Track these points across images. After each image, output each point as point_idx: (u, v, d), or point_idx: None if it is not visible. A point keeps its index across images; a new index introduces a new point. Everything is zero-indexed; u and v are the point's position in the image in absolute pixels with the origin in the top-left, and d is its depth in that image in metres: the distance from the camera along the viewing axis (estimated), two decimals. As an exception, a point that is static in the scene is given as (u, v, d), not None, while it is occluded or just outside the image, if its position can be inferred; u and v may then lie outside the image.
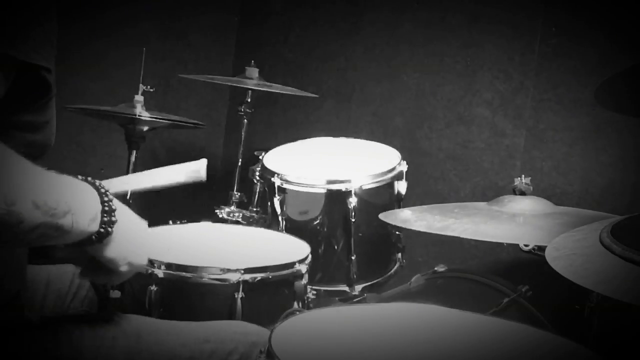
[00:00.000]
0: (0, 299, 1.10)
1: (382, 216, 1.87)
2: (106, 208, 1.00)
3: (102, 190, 1.01)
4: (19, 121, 1.02)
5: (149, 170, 1.45)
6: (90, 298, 1.53)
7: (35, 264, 1.34)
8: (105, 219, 1.00)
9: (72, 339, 1.15)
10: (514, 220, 1.68)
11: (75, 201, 0.96)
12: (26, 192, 0.88)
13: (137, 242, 1.09)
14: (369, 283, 2.12)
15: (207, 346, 1.22)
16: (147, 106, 2.42)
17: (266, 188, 2.17)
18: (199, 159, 1.48)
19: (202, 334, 1.24)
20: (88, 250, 1.03)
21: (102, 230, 1.00)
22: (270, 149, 2.31)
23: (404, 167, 2.17)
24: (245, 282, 1.56)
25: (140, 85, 2.43)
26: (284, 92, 2.65)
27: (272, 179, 2.10)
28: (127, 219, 1.07)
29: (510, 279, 1.92)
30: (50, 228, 0.91)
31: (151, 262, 1.58)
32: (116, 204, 1.03)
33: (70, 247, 1.01)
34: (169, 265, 1.57)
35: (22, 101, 0.98)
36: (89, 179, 1.03)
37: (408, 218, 1.80)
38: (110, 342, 1.16)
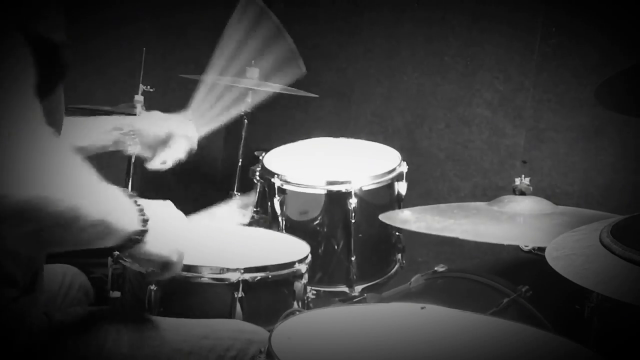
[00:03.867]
0: (13, 291, 1.11)
1: (383, 217, 1.87)
2: (139, 208, 1.10)
3: (130, 194, 1.12)
4: None
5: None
6: (80, 298, 1.54)
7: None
8: (141, 217, 1.10)
9: (78, 332, 1.18)
10: (514, 220, 1.68)
11: (118, 203, 1.07)
12: (86, 192, 0.97)
13: (174, 232, 1.19)
14: (369, 284, 2.12)
15: (206, 342, 1.25)
16: (147, 106, 2.42)
17: (266, 188, 2.17)
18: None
19: (201, 330, 1.28)
20: (135, 253, 1.12)
21: (141, 227, 1.09)
22: (270, 149, 2.31)
23: (404, 168, 2.17)
24: (244, 281, 1.56)
25: (140, 85, 2.42)
26: (284, 92, 2.65)
27: (272, 179, 2.09)
28: (162, 216, 1.16)
29: (510, 279, 1.92)
30: (102, 226, 1.00)
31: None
32: (145, 204, 1.12)
33: (117, 249, 1.11)
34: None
35: (46, 84, 1.01)
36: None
37: (408, 219, 1.80)
38: (115, 335, 1.19)
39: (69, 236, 0.97)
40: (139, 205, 1.11)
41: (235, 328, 1.34)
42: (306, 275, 1.69)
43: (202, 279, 1.56)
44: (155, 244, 1.13)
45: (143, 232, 1.10)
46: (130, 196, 1.12)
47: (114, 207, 1.04)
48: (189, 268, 1.57)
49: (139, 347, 1.20)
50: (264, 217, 2.30)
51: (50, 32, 0.98)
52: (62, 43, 1.00)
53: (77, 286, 1.55)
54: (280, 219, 2.09)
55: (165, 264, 1.19)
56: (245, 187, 2.59)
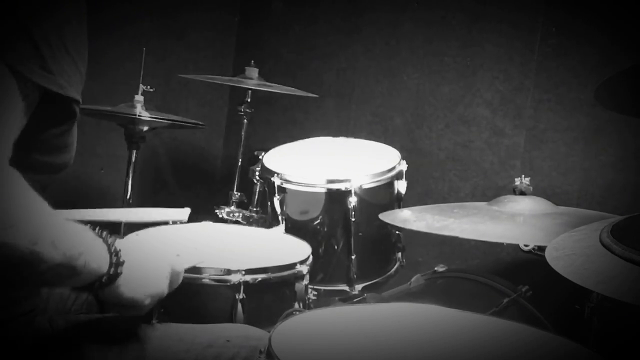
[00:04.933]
0: (16, 312, 1.11)
1: (382, 216, 1.87)
2: (112, 251, 1.05)
3: (105, 237, 1.07)
4: (41, 145, 1.04)
5: (139, 209, 1.57)
6: (91, 301, 1.54)
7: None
8: (114, 260, 1.05)
9: (80, 348, 1.17)
10: (513, 220, 1.68)
11: (87, 244, 1.01)
12: (46, 233, 0.92)
13: (153, 272, 1.14)
14: (369, 283, 2.12)
15: (211, 351, 1.23)
16: (147, 106, 2.42)
17: (266, 188, 2.17)
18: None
19: (206, 339, 1.26)
20: (104, 295, 1.07)
21: (111, 271, 1.05)
22: (270, 149, 2.31)
23: (403, 166, 2.17)
24: (246, 282, 1.55)
25: (140, 85, 2.42)
26: (284, 92, 2.65)
27: (272, 178, 2.09)
28: (138, 256, 1.11)
29: (510, 279, 1.92)
30: (66, 268, 0.96)
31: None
32: (123, 244, 1.08)
33: (83, 290, 1.06)
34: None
35: (46, 123, 1.01)
36: (90, 227, 1.07)
37: (408, 218, 1.80)
38: (118, 349, 1.17)
39: (31, 278, 0.94)
40: (112, 246, 1.06)
41: (241, 334, 1.32)
42: (307, 276, 1.69)
43: (203, 280, 1.56)
44: (129, 287, 1.08)
45: (113, 277, 1.05)
46: (104, 236, 1.07)
47: (80, 248, 0.99)
48: (190, 269, 1.57)
49: (142, 359, 1.20)
50: (264, 217, 2.30)
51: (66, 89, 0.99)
52: (77, 100, 1.03)
53: None
54: (280, 218, 2.10)
55: (133, 306, 1.13)
56: (245, 187, 2.59)
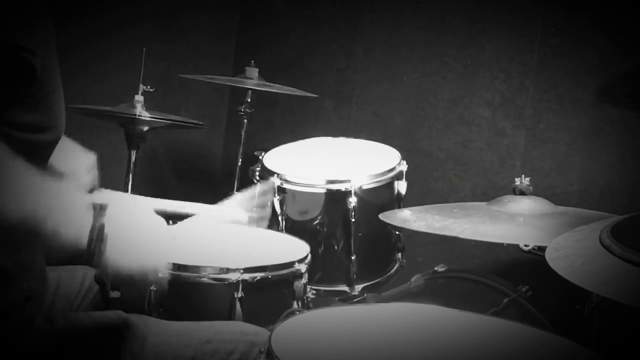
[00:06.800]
0: (16, 299, 1.11)
1: (382, 216, 1.87)
2: (95, 226, 1.01)
3: (98, 209, 1.02)
4: (21, 122, 1.03)
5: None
6: (98, 301, 1.54)
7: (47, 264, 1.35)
8: (94, 235, 1.01)
9: (77, 343, 1.16)
10: (513, 220, 1.68)
11: (60, 212, 0.98)
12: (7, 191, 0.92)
13: (140, 247, 1.08)
14: (369, 283, 2.12)
15: (209, 346, 1.25)
16: (147, 106, 2.41)
17: (266, 188, 2.17)
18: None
19: (204, 334, 1.27)
20: (94, 265, 1.03)
21: (92, 246, 1.01)
22: (270, 149, 2.31)
23: (403, 167, 2.17)
24: (244, 281, 1.56)
25: (140, 85, 2.42)
26: (284, 92, 2.64)
27: (272, 178, 2.10)
28: (129, 226, 1.07)
29: (510, 279, 1.92)
30: (30, 227, 0.95)
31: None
32: (113, 216, 1.03)
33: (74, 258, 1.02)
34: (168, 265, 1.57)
35: (8, 90, 0.98)
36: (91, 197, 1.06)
37: (408, 218, 1.80)
38: (116, 345, 1.18)
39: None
40: (97, 221, 1.01)
41: (238, 330, 1.33)
42: (306, 275, 1.69)
43: (202, 279, 1.56)
44: (118, 257, 1.03)
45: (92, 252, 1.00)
46: (98, 208, 1.01)
47: (52, 213, 0.97)
48: (188, 268, 1.57)
49: (142, 355, 1.20)
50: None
51: (13, 37, 0.94)
52: (30, 50, 0.95)
53: (96, 289, 1.54)
54: (280, 218, 2.10)
55: (131, 280, 1.07)
56: (245, 187, 2.59)
